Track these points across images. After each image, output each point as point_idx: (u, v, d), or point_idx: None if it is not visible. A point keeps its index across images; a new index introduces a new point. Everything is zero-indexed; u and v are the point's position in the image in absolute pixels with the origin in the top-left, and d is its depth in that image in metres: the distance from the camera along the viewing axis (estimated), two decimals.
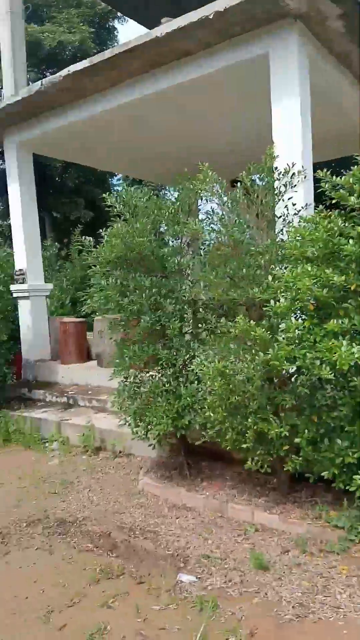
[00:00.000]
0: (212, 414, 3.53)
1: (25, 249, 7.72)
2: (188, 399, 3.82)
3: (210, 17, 4.71)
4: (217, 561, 3.17)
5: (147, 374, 4.25)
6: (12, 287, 7.63)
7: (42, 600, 2.89)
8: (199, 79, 5.48)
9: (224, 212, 3.91)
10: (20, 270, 7.74)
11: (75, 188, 15.10)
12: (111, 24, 16.92)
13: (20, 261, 7.76)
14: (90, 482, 4.53)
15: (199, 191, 4.10)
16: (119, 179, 17.64)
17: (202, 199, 4.23)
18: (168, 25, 5.05)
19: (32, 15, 14.53)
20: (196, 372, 3.70)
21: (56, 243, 12.97)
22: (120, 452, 5.11)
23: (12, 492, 4.42)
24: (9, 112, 6.82)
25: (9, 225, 10.77)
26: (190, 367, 3.86)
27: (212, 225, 3.96)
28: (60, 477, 4.66)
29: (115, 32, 17.20)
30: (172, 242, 4.40)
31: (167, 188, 15.73)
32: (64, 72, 5.83)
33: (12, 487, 4.53)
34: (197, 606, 2.74)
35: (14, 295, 7.67)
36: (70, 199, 15.19)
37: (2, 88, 12.26)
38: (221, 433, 3.58)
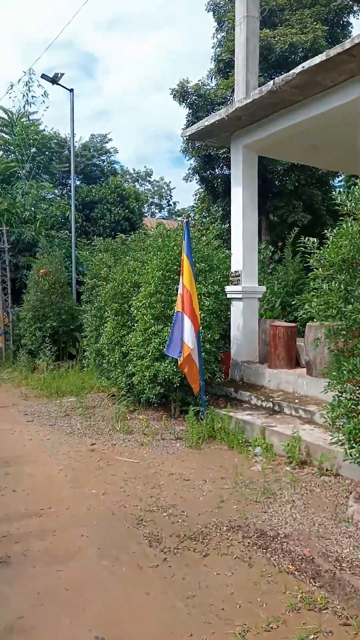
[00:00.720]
0: None
1: (243, 251, 7.81)
2: None
3: None
4: None
5: None
6: (227, 288, 7.79)
7: (237, 615, 2.76)
8: None
9: None
10: (236, 272, 7.87)
11: (294, 191, 14.84)
12: (345, 19, 16.16)
13: (237, 263, 7.88)
14: (293, 497, 4.28)
15: None
16: (340, 180, 16.81)
17: None
18: None
19: (266, 21, 14.70)
20: None
21: (270, 246, 12.93)
22: (327, 470, 4.74)
23: (214, 492, 4.43)
24: (238, 115, 6.94)
25: (227, 229, 11.11)
26: None
27: None
28: (262, 485, 4.52)
29: (349, 27, 16.33)
30: None
31: None
32: (297, 69, 5.68)
33: (215, 487, 4.55)
34: None
35: (228, 295, 7.82)
36: (288, 202, 15.00)
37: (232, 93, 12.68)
38: None
